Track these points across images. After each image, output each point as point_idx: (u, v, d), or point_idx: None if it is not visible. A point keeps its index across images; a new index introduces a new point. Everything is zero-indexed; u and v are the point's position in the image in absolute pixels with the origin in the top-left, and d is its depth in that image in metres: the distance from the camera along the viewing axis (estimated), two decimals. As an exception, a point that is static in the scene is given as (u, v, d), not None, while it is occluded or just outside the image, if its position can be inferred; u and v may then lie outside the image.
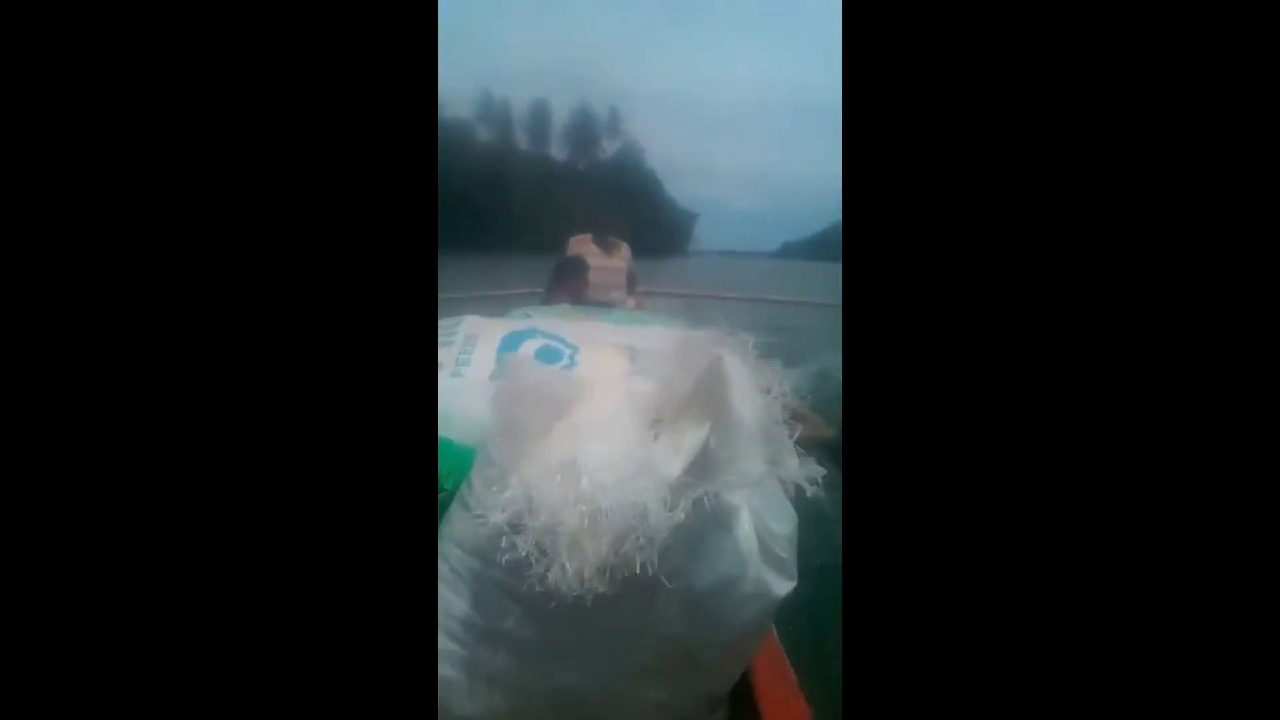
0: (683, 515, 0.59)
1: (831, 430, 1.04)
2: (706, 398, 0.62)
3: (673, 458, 0.60)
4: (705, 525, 0.64)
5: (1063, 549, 0.39)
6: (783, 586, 0.72)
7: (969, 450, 0.40)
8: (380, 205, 0.44)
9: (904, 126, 0.42)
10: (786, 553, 0.73)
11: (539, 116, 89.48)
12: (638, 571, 0.57)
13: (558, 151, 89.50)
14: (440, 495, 0.71)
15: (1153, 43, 0.39)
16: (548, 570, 0.57)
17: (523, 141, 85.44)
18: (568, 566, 0.57)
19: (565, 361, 0.84)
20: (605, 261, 2.58)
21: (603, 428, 0.66)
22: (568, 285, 1.65)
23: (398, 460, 0.44)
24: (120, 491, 0.40)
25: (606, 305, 2.25)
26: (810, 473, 0.67)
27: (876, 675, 0.41)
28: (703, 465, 0.61)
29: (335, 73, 0.43)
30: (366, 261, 0.44)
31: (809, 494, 0.67)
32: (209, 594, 0.41)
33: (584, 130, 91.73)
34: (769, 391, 0.66)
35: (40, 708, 0.38)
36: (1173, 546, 0.38)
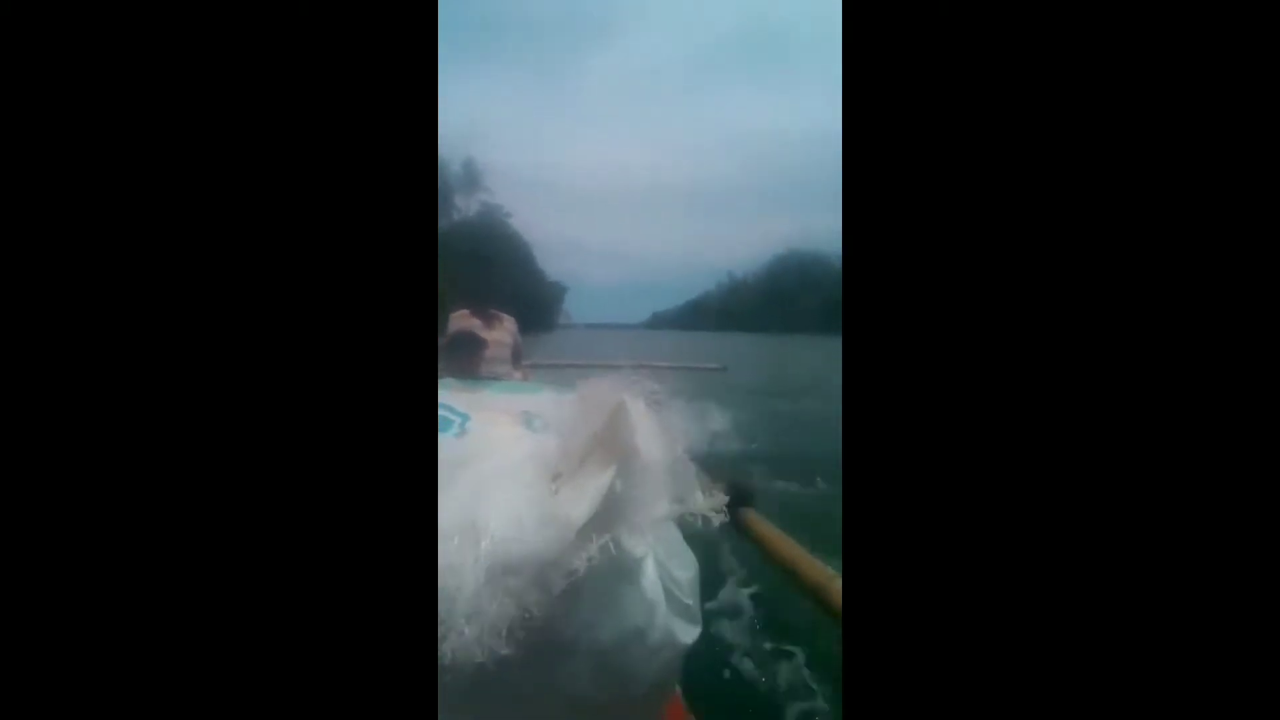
0: (587, 566, 0.57)
1: (719, 487, 1.08)
2: (612, 441, 0.62)
3: (578, 504, 0.60)
4: (611, 577, 0.63)
5: (1063, 572, 0.38)
6: (689, 634, 0.72)
7: (963, 473, 0.40)
8: (377, 210, 0.44)
9: (901, 167, 0.42)
10: (690, 599, 0.73)
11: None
12: (541, 628, 0.55)
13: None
14: None
15: (1136, 39, 0.39)
16: (444, 640, 0.54)
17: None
18: (467, 633, 0.54)
19: (455, 430, 0.82)
20: (489, 335, 2.55)
21: (502, 485, 0.64)
22: (458, 362, 1.58)
23: (397, 471, 0.43)
24: (111, 494, 0.40)
25: (493, 379, 2.20)
26: (715, 504, 0.69)
27: (876, 685, 0.40)
28: (609, 509, 0.61)
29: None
30: (365, 274, 0.44)
31: (715, 524, 0.68)
32: (207, 603, 0.40)
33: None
34: (671, 433, 0.68)
35: (40, 707, 0.38)
36: (1170, 553, 0.37)
